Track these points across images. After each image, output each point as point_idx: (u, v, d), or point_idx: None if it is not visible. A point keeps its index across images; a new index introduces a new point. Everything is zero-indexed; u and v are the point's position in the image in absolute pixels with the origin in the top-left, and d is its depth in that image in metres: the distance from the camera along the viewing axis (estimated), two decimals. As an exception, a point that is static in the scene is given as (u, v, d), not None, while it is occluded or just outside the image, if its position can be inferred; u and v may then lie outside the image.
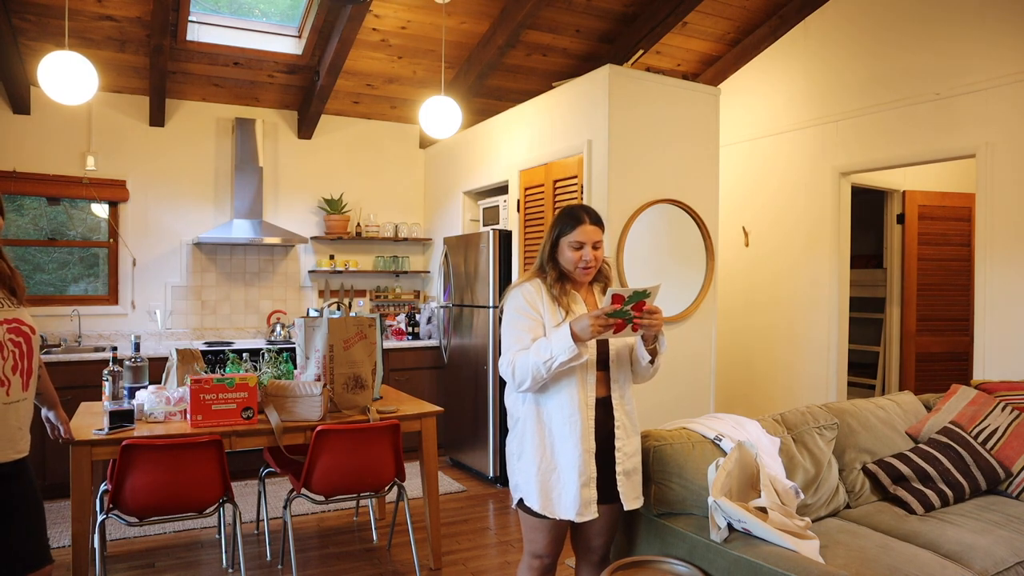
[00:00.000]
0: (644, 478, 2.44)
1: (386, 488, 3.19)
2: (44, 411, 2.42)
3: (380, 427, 3.04)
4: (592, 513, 2.07)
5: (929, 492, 2.76)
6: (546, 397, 2.10)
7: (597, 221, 2.16)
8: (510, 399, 2.21)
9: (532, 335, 2.09)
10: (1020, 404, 3.12)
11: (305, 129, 5.65)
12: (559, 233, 2.15)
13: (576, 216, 2.13)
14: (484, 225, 5.21)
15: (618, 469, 2.13)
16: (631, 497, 2.15)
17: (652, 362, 2.15)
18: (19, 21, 4.28)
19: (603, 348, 2.15)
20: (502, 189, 5.14)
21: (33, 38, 4.42)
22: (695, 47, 5.44)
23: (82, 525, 2.65)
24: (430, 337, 5.76)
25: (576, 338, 1.93)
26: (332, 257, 5.76)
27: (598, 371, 2.14)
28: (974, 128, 4.04)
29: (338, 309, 4.09)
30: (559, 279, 2.15)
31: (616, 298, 1.90)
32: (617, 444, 2.13)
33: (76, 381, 4.24)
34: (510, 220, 4.78)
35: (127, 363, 3.18)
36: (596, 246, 2.14)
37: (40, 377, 2.25)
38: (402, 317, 5.78)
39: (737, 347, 5.42)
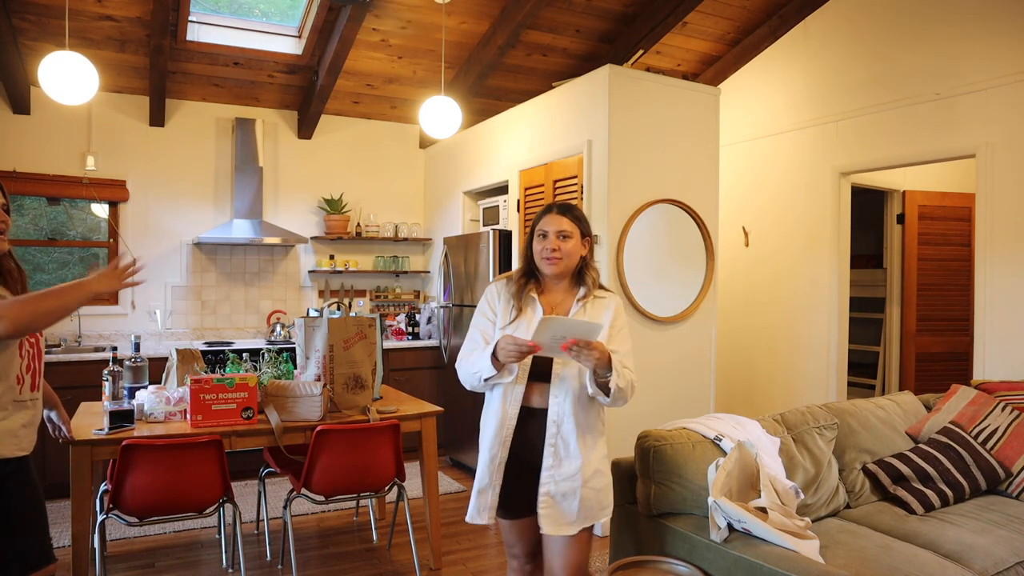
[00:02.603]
0: (644, 478, 2.44)
1: (386, 488, 3.19)
2: (46, 411, 2.43)
3: (380, 427, 3.04)
4: (485, 520, 2.06)
5: (929, 492, 2.76)
6: (486, 399, 2.14)
7: (567, 212, 2.10)
8: None
9: (484, 339, 2.10)
10: (1020, 404, 3.12)
11: (305, 129, 5.65)
12: (532, 225, 2.13)
13: (548, 208, 2.12)
14: (484, 225, 5.21)
15: (541, 489, 2.01)
16: (561, 522, 2.01)
17: (606, 394, 1.97)
18: (19, 21, 4.28)
19: (546, 359, 2.04)
20: (502, 189, 5.14)
21: (33, 38, 4.42)
22: (695, 47, 5.44)
23: (82, 525, 2.65)
24: (430, 337, 5.76)
25: (496, 358, 1.93)
26: (332, 257, 5.76)
27: (536, 381, 2.05)
28: (974, 128, 4.04)
29: (338, 309, 4.09)
30: (524, 275, 2.12)
31: (545, 325, 1.83)
32: (545, 462, 2.01)
33: (76, 381, 4.24)
34: (510, 220, 4.78)
35: (127, 363, 3.18)
36: (562, 236, 2.06)
37: None
38: (402, 317, 5.78)
39: (737, 347, 5.42)
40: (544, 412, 2.04)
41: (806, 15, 5.03)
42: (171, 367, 3.33)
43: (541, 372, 2.05)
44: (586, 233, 2.12)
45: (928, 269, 5.19)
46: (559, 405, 2.03)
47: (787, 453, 2.62)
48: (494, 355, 1.93)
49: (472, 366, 2.02)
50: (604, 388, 1.97)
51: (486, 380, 2.00)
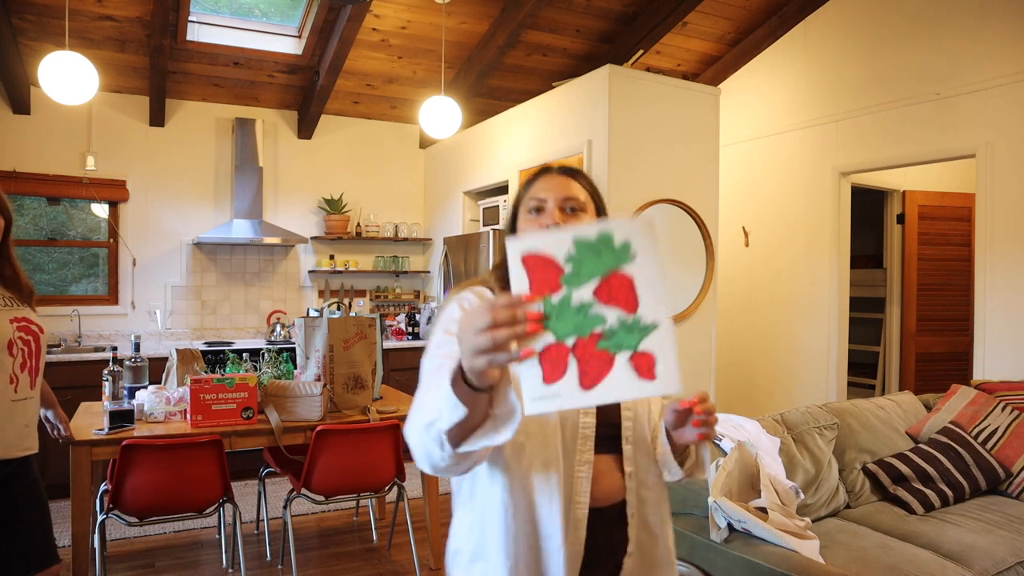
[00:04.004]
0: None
1: (386, 488, 3.19)
2: (43, 411, 2.43)
3: (380, 427, 3.04)
4: None
5: (929, 492, 2.76)
6: (511, 481, 1.16)
7: (575, 175, 1.31)
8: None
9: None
10: (1020, 404, 3.11)
11: (305, 129, 5.65)
12: (517, 201, 1.31)
13: (544, 169, 1.33)
14: (484, 225, 5.21)
15: None
16: None
17: (683, 469, 1.25)
18: (19, 21, 4.27)
19: (611, 410, 1.22)
20: (502, 189, 5.14)
21: (33, 38, 4.41)
22: (695, 47, 5.43)
23: (82, 525, 2.65)
24: (430, 337, 5.75)
25: (459, 380, 0.88)
26: (332, 257, 5.76)
27: (602, 452, 1.19)
28: (974, 128, 4.03)
29: (338, 309, 4.09)
30: (505, 276, 1.10)
31: (534, 261, 0.85)
32: None
33: (76, 381, 4.23)
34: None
35: (127, 363, 3.18)
36: (570, 208, 1.25)
37: None
38: (402, 317, 5.78)
39: (737, 347, 5.42)
40: (605, 509, 1.19)
41: (806, 15, 5.02)
42: (171, 367, 3.33)
43: (602, 432, 1.20)
44: (602, 209, 1.34)
45: (928, 269, 5.19)
46: (642, 484, 1.23)
47: (787, 453, 2.62)
48: (459, 375, 0.88)
49: (422, 414, 0.98)
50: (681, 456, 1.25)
51: (452, 442, 0.94)
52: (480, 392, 0.86)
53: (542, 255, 0.83)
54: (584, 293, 0.84)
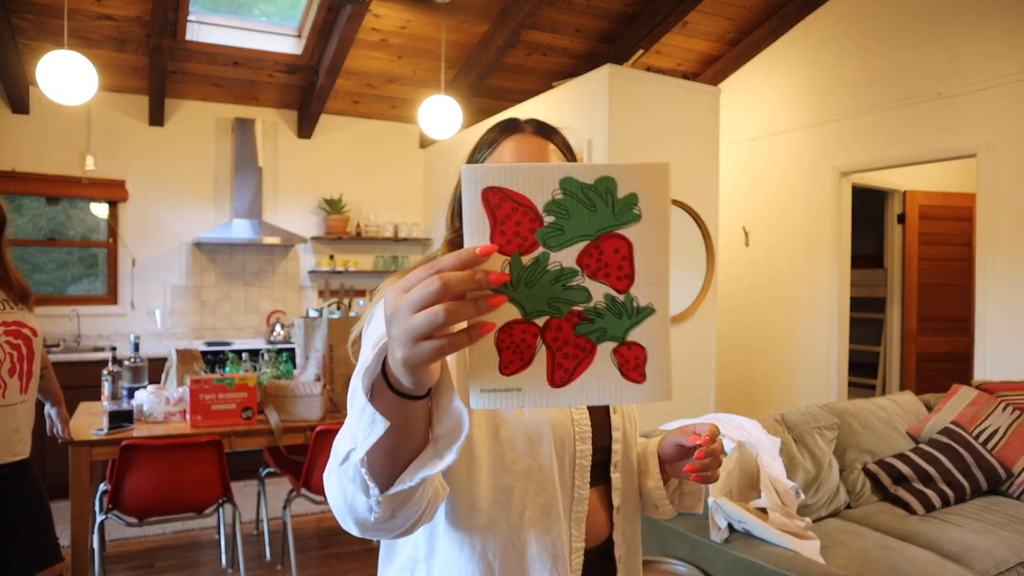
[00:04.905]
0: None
1: (386, 488, 3.18)
2: (47, 407, 2.42)
3: (380, 427, 3.03)
4: None
5: (930, 492, 2.76)
6: (495, 542, 0.90)
7: (550, 134, 1.11)
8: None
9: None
10: (1021, 404, 3.11)
11: (305, 129, 5.65)
12: (471, 158, 1.07)
13: (509, 123, 1.07)
14: (484, 225, 5.20)
15: None
16: None
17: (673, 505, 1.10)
18: (18, 21, 4.27)
19: (603, 432, 1.01)
20: (502, 189, 5.13)
21: (32, 37, 4.41)
22: (695, 47, 5.43)
23: (81, 525, 2.65)
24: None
25: (382, 385, 0.65)
26: (332, 257, 5.75)
27: (594, 484, 0.99)
28: (975, 127, 4.03)
29: (338, 309, 4.08)
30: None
31: (503, 202, 0.60)
32: None
33: (75, 381, 4.22)
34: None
35: (126, 363, 3.17)
36: None
37: (44, 377, 2.24)
38: (402, 317, 5.77)
39: (737, 347, 5.41)
40: (599, 554, 1.00)
41: (806, 15, 5.02)
42: (171, 367, 3.33)
43: (596, 454, 0.99)
44: None
45: (929, 269, 5.18)
46: (623, 527, 1.03)
47: (788, 453, 2.61)
48: (381, 379, 0.65)
49: (335, 451, 0.75)
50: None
51: (379, 482, 0.68)
52: (414, 400, 0.63)
53: (514, 194, 0.59)
54: (566, 256, 0.61)
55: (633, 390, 0.63)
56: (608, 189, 0.60)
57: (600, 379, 0.63)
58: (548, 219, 0.60)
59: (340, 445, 0.72)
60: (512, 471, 0.89)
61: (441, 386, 0.66)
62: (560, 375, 0.63)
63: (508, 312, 0.61)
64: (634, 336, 0.63)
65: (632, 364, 0.63)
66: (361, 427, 0.64)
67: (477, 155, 1.02)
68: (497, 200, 0.59)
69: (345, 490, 0.71)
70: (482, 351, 0.61)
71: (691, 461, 0.93)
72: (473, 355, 0.61)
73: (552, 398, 0.62)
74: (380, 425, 0.63)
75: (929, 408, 3.35)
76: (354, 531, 0.75)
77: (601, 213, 0.60)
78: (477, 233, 0.60)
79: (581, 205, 0.60)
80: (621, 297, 0.62)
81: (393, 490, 0.67)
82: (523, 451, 0.90)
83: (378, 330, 0.85)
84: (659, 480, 1.06)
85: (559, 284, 0.61)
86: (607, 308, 0.62)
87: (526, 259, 0.61)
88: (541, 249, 0.61)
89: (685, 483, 1.08)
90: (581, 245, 0.61)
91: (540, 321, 0.62)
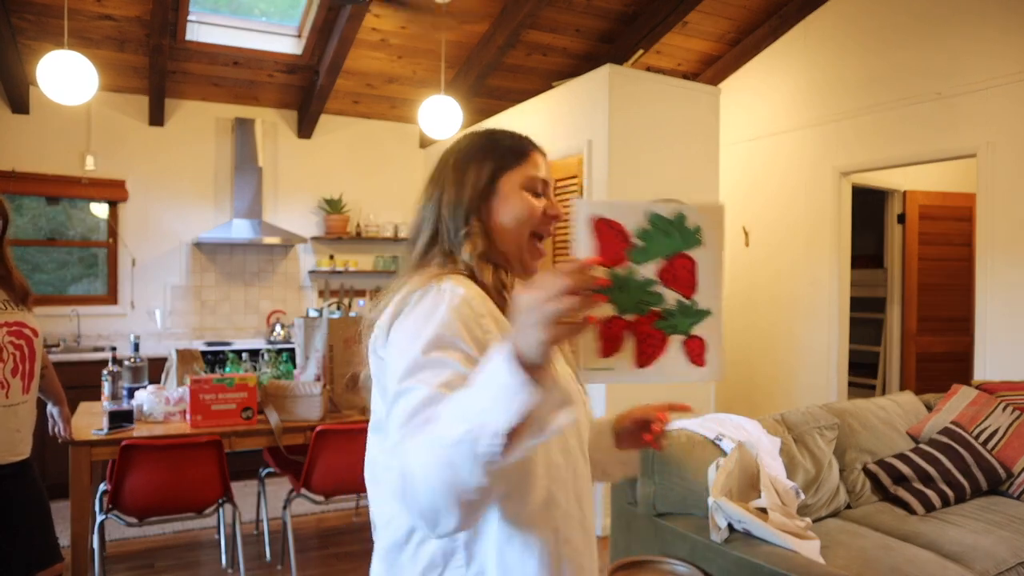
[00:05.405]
0: (644, 478, 2.44)
1: (386, 488, 3.18)
2: (49, 406, 2.43)
3: (380, 427, 3.03)
4: None
5: (930, 492, 2.76)
6: (543, 548, 0.97)
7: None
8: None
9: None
10: (1021, 404, 3.11)
11: (305, 129, 5.65)
12: (503, 164, 1.08)
13: (522, 140, 1.12)
14: (484, 225, 5.20)
15: None
16: None
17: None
18: (18, 20, 4.27)
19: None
20: (502, 189, 5.14)
21: (32, 37, 4.41)
22: (695, 47, 5.43)
23: (81, 525, 2.65)
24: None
25: (527, 363, 0.74)
26: (332, 257, 5.75)
27: None
28: (975, 127, 4.03)
29: (338, 309, 4.08)
30: (497, 275, 1.03)
31: (605, 227, 0.83)
32: None
33: (75, 381, 4.21)
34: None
35: (126, 363, 3.17)
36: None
37: (45, 376, 2.24)
38: (402, 317, 5.77)
39: (737, 347, 5.41)
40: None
41: (806, 15, 5.02)
42: (171, 367, 3.33)
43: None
44: None
45: (929, 269, 5.18)
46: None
47: (788, 453, 2.61)
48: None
49: (444, 436, 0.78)
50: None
51: (503, 440, 0.74)
52: (541, 373, 0.74)
53: (613, 223, 0.82)
54: (648, 269, 0.83)
55: (696, 372, 0.86)
56: (681, 221, 0.82)
57: (673, 363, 0.85)
58: (636, 241, 0.82)
59: (453, 426, 0.77)
60: (562, 449, 1.00)
61: (550, 363, 0.77)
62: (642, 359, 0.85)
63: (606, 309, 0.83)
64: (697, 331, 0.85)
65: (696, 352, 0.86)
66: (504, 403, 0.74)
67: (506, 159, 1.09)
68: (601, 226, 0.82)
69: (456, 467, 0.77)
70: (586, 338, 0.83)
71: (650, 432, 1.13)
72: (579, 341, 0.82)
73: (637, 376, 0.84)
74: (532, 395, 0.73)
75: (929, 408, 3.35)
76: (450, 514, 0.80)
77: (675, 239, 0.83)
78: (587, 249, 0.82)
79: (661, 232, 0.82)
80: (688, 301, 0.84)
81: (513, 457, 0.76)
82: (561, 460, 1.00)
83: (450, 356, 0.90)
84: (608, 452, 1.21)
85: (643, 290, 0.83)
86: (677, 309, 0.84)
87: (620, 270, 0.82)
88: (630, 264, 0.83)
89: (628, 453, 1.23)
90: (660, 261, 0.83)
91: (629, 318, 0.84)
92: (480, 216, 1.05)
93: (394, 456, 0.85)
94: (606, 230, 0.82)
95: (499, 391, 0.74)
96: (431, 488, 0.79)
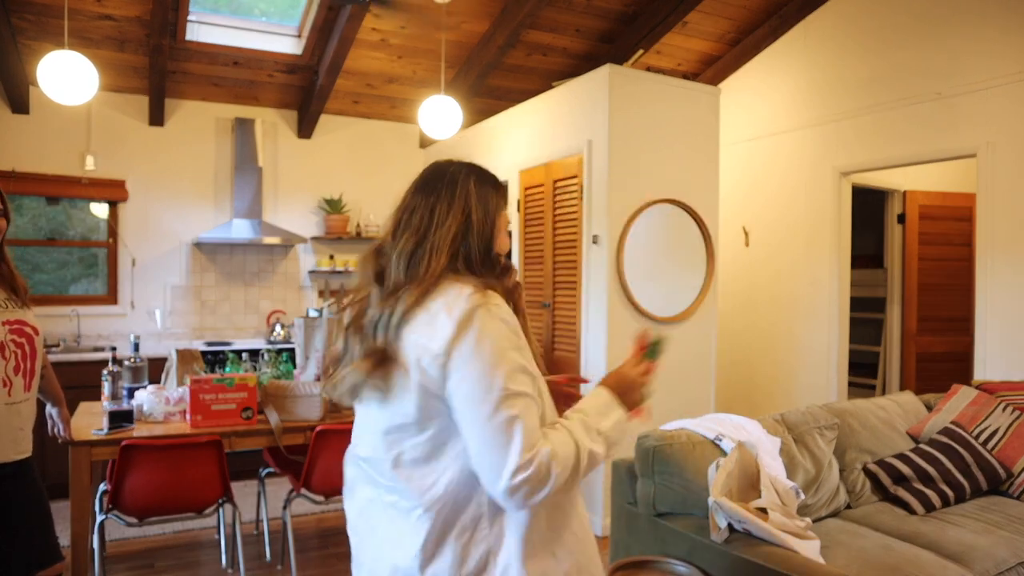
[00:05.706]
0: (644, 478, 2.43)
1: (386, 488, 3.18)
2: (48, 407, 2.43)
3: (380, 427, 3.03)
4: None
5: (930, 492, 2.76)
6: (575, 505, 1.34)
7: None
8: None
9: (538, 404, 1.21)
10: (1021, 404, 3.11)
11: (305, 129, 5.65)
12: (496, 210, 1.31)
13: (500, 184, 1.36)
14: (484, 225, 5.20)
15: None
16: None
17: None
18: (18, 21, 4.27)
19: None
20: (502, 189, 5.13)
21: (32, 37, 4.41)
22: (695, 47, 5.43)
23: (81, 525, 2.65)
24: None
25: (627, 405, 1.31)
26: (332, 257, 5.75)
27: None
28: (975, 127, 4.03)
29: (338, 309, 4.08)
30: (508, 292, 1.29)
31: (639, 345, 1.39)
32: None
33: (75, 381, 4.22)
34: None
35: (126, 363, 3.17)
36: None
37: (44, 376, 2.24)
38: (402, 317, 5.76)
39: (737, 347, 5.41)
40: None
41: (806, 15, 5.02)
42: (171, 367, 3.33)
43: None
44: None
45: (929, 269, 5.18)
46: None
47: (788, 453, 2.61)
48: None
49: (586, 434, 1.22)
50: None
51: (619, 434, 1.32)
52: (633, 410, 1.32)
53: (641, 343, 1.39)
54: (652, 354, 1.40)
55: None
56: (659, 342, 1.39)
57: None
58: (649, 349, 1.39)
59: (593, 442, 1.22)
60: (539, 416, 1.23)
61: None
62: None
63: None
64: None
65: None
66: (621, 427, 1.27)
67: (500, 204, 1.33)
68: (635, 349, 1.38)
69: (591, 462, 1.21)
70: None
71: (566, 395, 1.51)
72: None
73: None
74: (627, 423, 1.30)
75: (929, 408, 3.34)
76: (573, 480, 1.19)
77: (652, 351, 1.39)
78: (639, 359, 1.37)
79: (654, 347, 1.39)
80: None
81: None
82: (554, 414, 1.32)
83: (515, 352, 1.19)
84: None
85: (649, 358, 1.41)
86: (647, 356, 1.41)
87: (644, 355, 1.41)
88: (645, 357, 1.39)
89: None
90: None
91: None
92: (489, 246, 1.28)
93: (453, 458, 1.19)
94: (637, 349, 1.38)
95: (613, 422, 1.26)
96: (573, 472, 1.17)
